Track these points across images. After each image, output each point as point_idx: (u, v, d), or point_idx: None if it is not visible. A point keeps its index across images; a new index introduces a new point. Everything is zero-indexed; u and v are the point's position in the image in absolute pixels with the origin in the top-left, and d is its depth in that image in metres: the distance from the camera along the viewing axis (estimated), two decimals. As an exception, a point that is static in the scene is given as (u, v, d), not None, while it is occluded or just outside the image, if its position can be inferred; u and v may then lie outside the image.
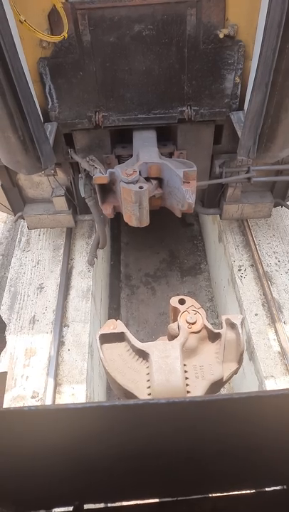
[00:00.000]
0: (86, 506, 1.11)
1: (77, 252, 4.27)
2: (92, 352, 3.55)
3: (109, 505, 1.16)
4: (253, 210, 3.89)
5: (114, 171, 2.72)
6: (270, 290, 3.71)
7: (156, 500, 1.14)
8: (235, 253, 4.15)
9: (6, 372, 3.23)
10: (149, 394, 1.48)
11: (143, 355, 1.60)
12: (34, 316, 3.71)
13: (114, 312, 5.02)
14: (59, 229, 4.40)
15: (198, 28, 2.57)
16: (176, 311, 1.74)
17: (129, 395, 1.53)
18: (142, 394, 1.49)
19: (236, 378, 3.75)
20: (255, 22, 2.46)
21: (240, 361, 1.65)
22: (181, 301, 1.75)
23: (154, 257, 5.61)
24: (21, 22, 2.25)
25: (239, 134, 2.71)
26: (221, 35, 2.57)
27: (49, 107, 2.89)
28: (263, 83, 2.18)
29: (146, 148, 2.87)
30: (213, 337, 1.67)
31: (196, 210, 3.78)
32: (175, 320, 1.72)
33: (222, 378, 1.56)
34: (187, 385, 1.50)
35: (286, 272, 3.89)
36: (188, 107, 2.91)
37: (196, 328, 1.66)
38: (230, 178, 3.46)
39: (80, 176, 3.39)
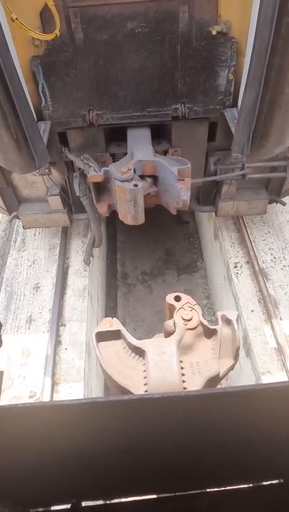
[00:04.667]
0: (84, 503, 1.11)
1: (73, 251, 4.26)
2: (90, 351, 3.54)
3: (107, 502, 1.16)
4: (248, 207, 3.89)
5: (108, 169, 2.71)
6: (266, 286, 3.73)
7: (154, 496, 1.14)
8: (231, 250, 4.16)
9: (2, 372, 3.22)
10: (146, 391, 1.49)
11: (139, 352, 1.60)
12: (31, 315, 3.70)
13: (111, 311, 5.01)
14: (54, 228, 4.38)
15: (191, 25, 2.56)
16: (172, 308, 1.74)
17: (126, 392, 1.53)
18: (139, 391, 1.49)
19: (233, 374, 3.76)
20: (247, 18, 2.45)
21: (236, 357, 1.66)
22: (177, 298, 1.75)
23: (151, 255, 5.61)
24: (13, 20, 2.24)
25: (233, 130, 2.71)
26: (214, 32, 2.57)
27: (42, 105, 2.88)
28: (256, 80, 2.18)
29: (140, 146, 2.87)
30: (209, 333, 1.68)
31: (191, 207, 3.78)
32: (171, 317, 1.73)
33: (218, 374, 1.57)
34: (184, 381, 1.51)
35: (282, 269, 3.91)
36: (182, 105, 2.91)
37: (192, 324, 1.67)
38: (225, 175, 3.46)
39: (74, 174, 3.38)
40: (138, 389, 1.50)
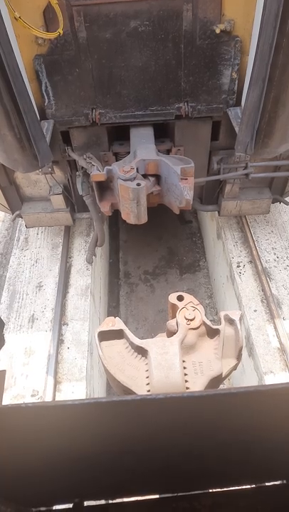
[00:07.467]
0: (86, 503, 1.11)
1: (75, 250, 4.27)
2: (92, 350, 3.55)
3: (109, 501, 1.16)
4: (251, 206, 3.88)
5: (111, 168, 2.71)
6: (269, 286, 3.71)
7: (156, 496, 1.14)
8: (234, 250, 4.15)
9: (4, 371, 3.22)
10: (149, 390, 1.48)
11: (142, 352, 1.60)
12: (33, 314, 3.70)
13: (113, 310, 5.02)
14: (57, 227, 4.39)
15: (195, 24, 2.55)
16: (174, 308, 1.74)
17: (128, 391, 1.53)
18: (141, 391, 1.49)
19: (236, 374, 3.76)
20: (251, 17, 2.44)
21: (239, 357, 1.65)
22: (180, 298, 1.74)
23: (153, 254, 5.60)
24: (16, 19, 2.24)
25: (236, 130, 2.70)
26: (218, 31, 2.56)
27: (45, 104, 2.88)
28: (260, 78, 2.18)
29: (143, 145, 2.86)
30: (212, 333, 1.67)
31: (194, 206, 3.77)
32: (174, 316, 1.72)
33: (221, 374, 1.56)
34: (186, 381, 1.50)
35: (285, 268, 3.89)
36: (186, 103, 2.90)
37: (194, 324, 1.66)
38: (228, 174, 3.45)
39: (77, 173, 3.38)
40: (140, 388, 1.49)
